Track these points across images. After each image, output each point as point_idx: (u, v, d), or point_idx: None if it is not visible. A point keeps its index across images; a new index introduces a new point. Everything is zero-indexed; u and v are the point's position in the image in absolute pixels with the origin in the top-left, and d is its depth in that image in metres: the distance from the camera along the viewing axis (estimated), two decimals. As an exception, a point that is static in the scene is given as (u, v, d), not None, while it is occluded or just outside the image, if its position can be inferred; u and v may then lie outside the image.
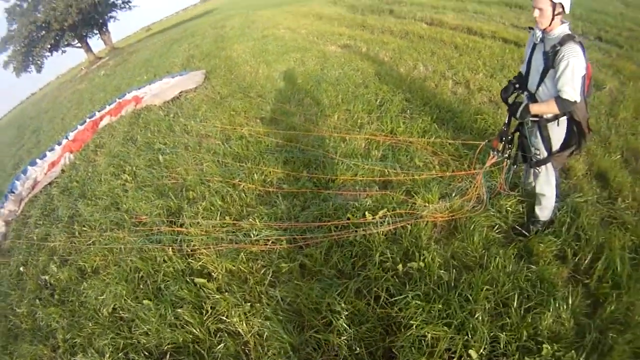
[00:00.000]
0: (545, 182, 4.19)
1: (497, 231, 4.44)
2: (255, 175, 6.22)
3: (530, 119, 3.96)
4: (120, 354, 4.14)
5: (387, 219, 4.61)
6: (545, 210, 4.38)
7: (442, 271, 3.91)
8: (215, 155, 7.31)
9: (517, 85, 4.22)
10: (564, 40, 3.47)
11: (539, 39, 3.78)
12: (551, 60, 3.59)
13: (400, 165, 5.70)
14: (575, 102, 3.50)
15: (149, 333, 4.23)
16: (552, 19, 3.53)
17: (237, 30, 22.51)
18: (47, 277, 6.20)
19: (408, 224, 4.47)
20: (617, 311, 3.50)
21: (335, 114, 7.75)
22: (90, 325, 4.73)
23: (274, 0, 38.48)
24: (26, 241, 7.73)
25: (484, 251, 4.14)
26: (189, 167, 7.28)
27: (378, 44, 13.23)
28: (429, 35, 13.31)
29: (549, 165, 4.07)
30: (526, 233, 4.39)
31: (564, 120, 3.82)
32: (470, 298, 3.60)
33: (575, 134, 3.89)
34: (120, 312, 4.74)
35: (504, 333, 3.30)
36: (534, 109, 3.80)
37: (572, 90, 3.46)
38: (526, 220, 4.59)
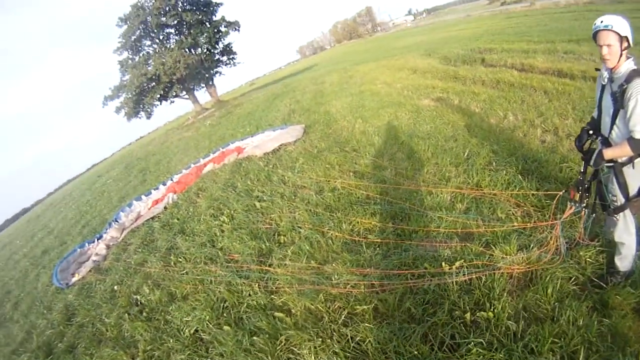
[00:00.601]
0: (624, 230, 4.00)
1: (573, 283, 4.37)
2: (343, 224, 6.65)
3: (606, 164, 3.86)
4: (194, 370, 4.64)
5: (462, 269, 4.76)
6: (625, 261, 4.20)
7: (510, 322, 3.98)
8: (309, 205, 7.82)
9: (590, 132, 4.16)
10: (630, 77, 3.40)
11: (606, 80, 3.73)
12: (620, 101, 3.50)
13: (482, 217, 5.82)
14: None
15: (224, 355, 4.78)
16: (620, 55, 3.50)
17: (336, 86, 23.49)
18: (138, 297, 7.09)
19: (482, 275, 4.60)
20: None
21: (424, 168, 8.00)
22: (171, 341, 5.42)
23: (371, 55, 39.55)
24: (124, 264, 8.80)
25: (556, 303, 4.11)
26: (283, 214, 7.85)
27: (469, 95, 13.34)
28: (520, 83, 13.28)
29: (628, 212, 3.89)
30: (604, 285, 4.25)
31: (639, 162, 3.66)
32: (535, 350, 3.64)
33: None
34: (202, 334, 5.35)
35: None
36: (608, 154, 3.71)
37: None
38: (605, 272, 4.42)
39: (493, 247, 5.09)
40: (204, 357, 4.93)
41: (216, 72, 52.56)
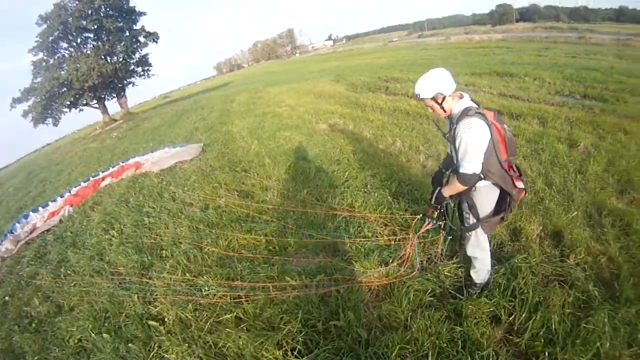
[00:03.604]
0: (476, 246, 4.28)
1: (430, 295, 4.63)
2: (220, 240, 6.78)
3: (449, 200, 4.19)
4: (77, 379, 4.64)
5: (322, 282, 5.07)
6: (480, 273, 4.49)
7: (360, 329, 4.22)
8: (192, 222, 7.89)
9: (443, 170, 4.52)
10: (459, 119, 3.66)
11: (449, 123, 4.01)
12: (453, 141, 3.78)
13: (349, 235, 6.10)
14: (474, 173, 3.66)
15: None
16: (444, 104, 3.80)
17: (243, 106, 23.53)
18: (29, 309, 6.86)
19: (341, 288, 4.86)
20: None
21: (304, 189, 8.26)
22: (57, 351, 5.36)
23: (284, 77, 40.08)
24: (16, 277, 8.46)
25: (410, 313, 4.36)
26: (167, 229, 7.90)
27: (364, 121, 13.89)
28: (415, 111, 14.03)
29: (480, 230, 4.15)
30: (460, 296, 4.53)
31: (484, 188, 3.94)
32: (383, 355, 3.86)
33: (505, 200, 4.01)
34: (85, 342, 5.32)
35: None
36: (445, 192, 4.08)
37: (467, 164, 3.63)
38: (463, 284, 4.72)
39: (354, 263, 5.36)
40: (86, 366, 4.95)
41: (129, 83, 50.72)
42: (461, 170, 3.72)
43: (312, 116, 16.39)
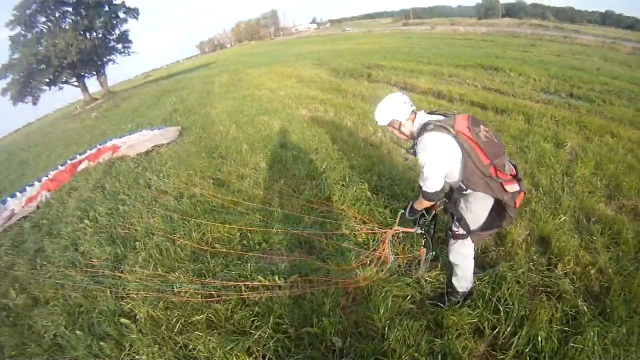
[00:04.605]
0: (459, 252, 4.07)
1: (410, 301, 4.45)
2: (194, 233, 6.52)
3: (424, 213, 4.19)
4: (52, 376, 4.45)
5: (296, 283, 4.85)
6: (462, 281, 4.25)
7: (335, 338, 4.02)
8: (166, 211, 7.60)
9: None
10: (418, 134, 3.60)
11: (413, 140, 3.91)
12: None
13: (325, 232, 5.89)
14: (435, 191, 3.61)
15: (77, 358, 4.61)
16: (401, 132, 3.82)
17: (223, 88, 23.05)
18: (6, 301, 6.60)
19: (316, 290, 4.65)
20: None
21: (281, 179, 8.02)
22: (33, 346, 5.17)
23: (266, 59, 39.66)
24: None
25: (387, 321, 4.14)
26: (141, 219, 7.62)
27: (345, 108, 13.58)
28: (398, 101, 13.71)
29: (467, 239, 3.98)
30: (441, 304, 4.31)
31: (471, 198, 3.75)
32: None
33: (500, 213, 3.80)
34: (59, 339, 5.11)
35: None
36: (416, 205, 4.01)
37: (427, 182, 3.58)
38: (445, 291, 4.47)
39: (330, 262, 5.18)
40: (60, 361, 4.80)
41: (109, 60, 49.39)
42: (423, 188, 3.68)
43: (292, 101, 15.99)
